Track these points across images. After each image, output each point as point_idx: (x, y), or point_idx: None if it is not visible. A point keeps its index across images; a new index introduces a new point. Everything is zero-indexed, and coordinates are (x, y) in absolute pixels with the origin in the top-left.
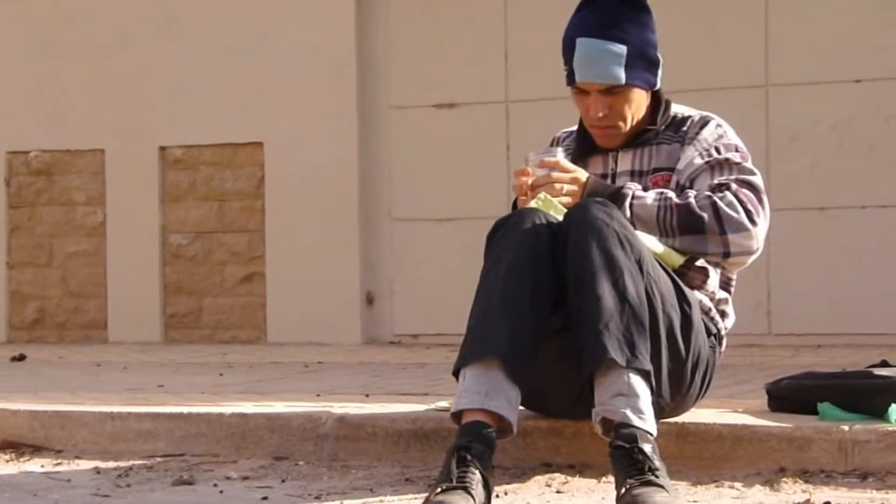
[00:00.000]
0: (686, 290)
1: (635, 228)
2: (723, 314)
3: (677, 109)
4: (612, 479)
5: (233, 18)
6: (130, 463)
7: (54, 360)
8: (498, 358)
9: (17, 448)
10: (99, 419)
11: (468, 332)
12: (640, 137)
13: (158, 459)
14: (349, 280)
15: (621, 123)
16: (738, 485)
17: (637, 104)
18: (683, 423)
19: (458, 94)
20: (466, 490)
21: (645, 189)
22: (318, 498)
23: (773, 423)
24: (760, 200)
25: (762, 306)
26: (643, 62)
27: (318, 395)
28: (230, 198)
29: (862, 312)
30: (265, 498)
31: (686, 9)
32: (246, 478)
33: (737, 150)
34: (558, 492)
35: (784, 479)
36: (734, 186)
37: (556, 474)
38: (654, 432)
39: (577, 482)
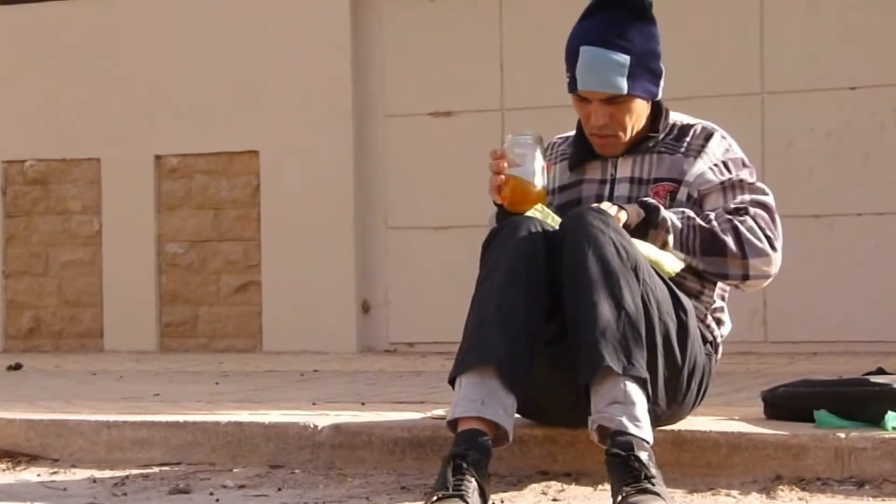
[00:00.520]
0: (682, 297)
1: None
2: (719, 322)
3: (676, 117)
4: (608, 487)
5: (228, 28)
6: (127, 472)
7: (50, 369)
8: (494, 366)
9: (14, 457)
10: (95, 428)
11: (464, 340)
12: (639, 145)
13: (155, 468)
14: (345, 288)
15: (621, 133)
16: (734, 492)
17: (638, 114)
18: (680, 430)
19: (454, 103)
20: (462, 498)
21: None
22: None
23: (769, 431)
24: (774, 221)
25: (758, 314)
26: (646, 73)
27: (314, 404)
28: (226, 206)
29: (858, 320)
30: None
31: (682, 17)
32: (242, 486)
33: (745, 166)
34: (554, 500)
35: (780, 487)
36: (752, 210)
37: (553, 482)
38: (651, 440)
39: (574, 490)
